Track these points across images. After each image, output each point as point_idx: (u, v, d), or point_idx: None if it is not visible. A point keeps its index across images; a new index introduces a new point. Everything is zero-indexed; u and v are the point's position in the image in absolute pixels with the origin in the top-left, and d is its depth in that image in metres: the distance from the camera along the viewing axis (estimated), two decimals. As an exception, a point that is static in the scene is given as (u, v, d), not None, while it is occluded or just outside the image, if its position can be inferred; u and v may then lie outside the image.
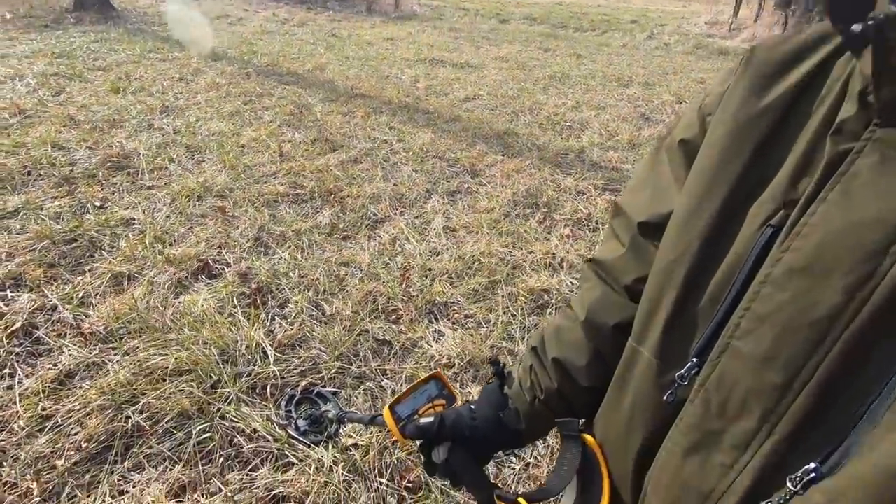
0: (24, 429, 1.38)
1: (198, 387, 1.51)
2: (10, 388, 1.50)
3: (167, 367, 1.56)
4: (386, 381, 1.64)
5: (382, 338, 1.81)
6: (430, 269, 2.23)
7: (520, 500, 0.58)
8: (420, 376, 0.76)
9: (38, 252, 2.14)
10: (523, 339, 1.88)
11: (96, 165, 2.97)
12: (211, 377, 1.55)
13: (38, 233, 2.25)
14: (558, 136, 4.17)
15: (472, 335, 1.86)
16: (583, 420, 0.62)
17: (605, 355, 0.57)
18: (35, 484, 1.24)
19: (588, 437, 0.57)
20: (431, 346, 1.80)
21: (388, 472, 1.34)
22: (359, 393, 1.58)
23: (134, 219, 2.45)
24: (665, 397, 0.45)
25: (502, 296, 2.09)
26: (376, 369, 1.67)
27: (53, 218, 2.40)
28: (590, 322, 0.59)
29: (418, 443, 0.75)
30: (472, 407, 0.73)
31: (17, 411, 1.42)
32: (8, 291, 1.93)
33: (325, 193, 2.85)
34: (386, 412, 0.79)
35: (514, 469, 1.40)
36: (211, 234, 2.35)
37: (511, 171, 3.34)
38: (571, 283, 2.22)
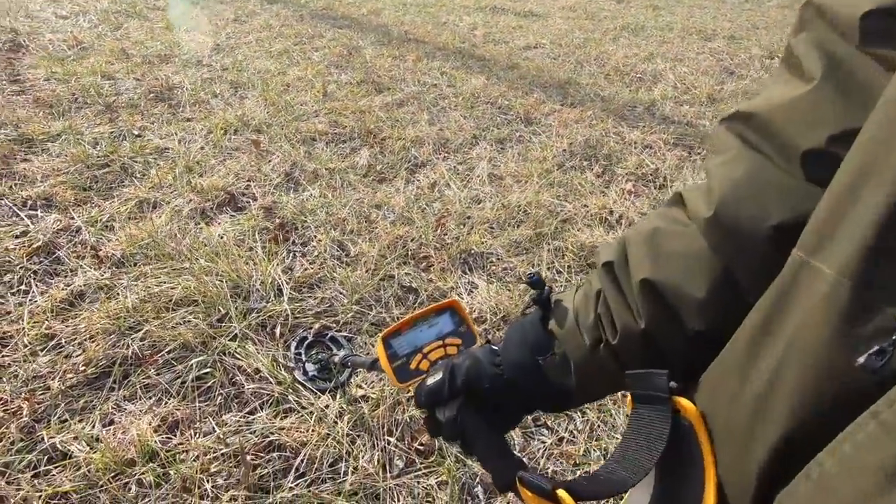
0: (27, 346, 1.31)
1: (204, 319, 1.40)
2: (21, 304, 1.45)
3: (175, 297, 1.45)
4: (407, 331, 1.47)
5: (409, 285, 1.63)
6: (469, 217, 2.01)
7: (559, 493, 0.36)
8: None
9: (72, 175, 2.09)
10: (568, 299, 1.65)
11: (140, 96, 2.92)
12: (219, 310, 1.43)
13: (75, 156, 2.21)
14: (626, 87, 3.75)
15: (509, 290, 1.64)
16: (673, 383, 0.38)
17: (743, 280, 0.32)
18: (27, 403, 1.16)
19: (685, 403, 0.33)
20: (463, 298, 1.60)
21: (399, 430, 1.18)
22: (375, 341, 1.41)
23: (168, 148, 2.37)
24: (861, 359, 0.21)
25: (548, 250, 1.84)
26: (397, 317, 1.50)
27: (91, 143, 2.36)
28: (723, 220, 0.33)
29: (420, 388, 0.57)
30: (496, 348, 0.51)
31: (24, 328, 1.36)
32: (39, 211, 1.90)
33: (365, 134, 2.66)
34: (378, 344, 0.59)
35: (544, 443, 1.20)
36: (242, 167, 2.23)
37: (570, 120, 3.01)
38: (630, 242, 1.94)
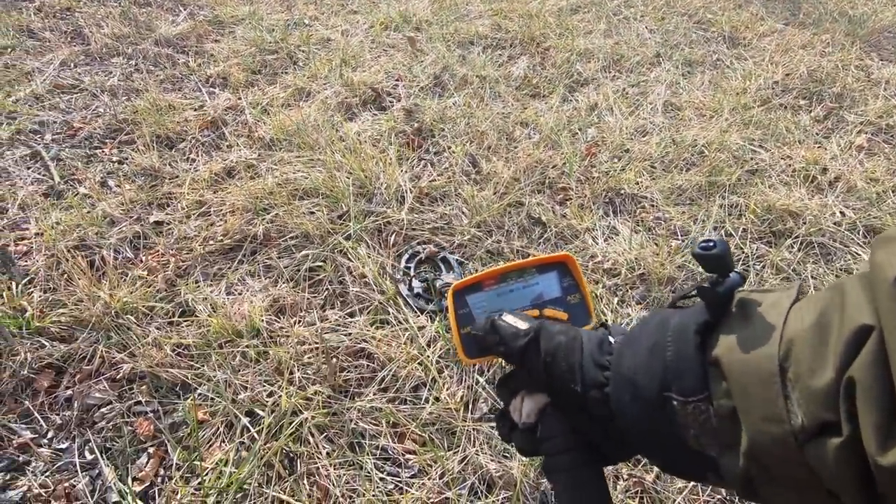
0: (184, 209, 1.46)
1: (327, 213, 1.40)
2: (186, 171, 1.60)
3: (306, 187, 1.48)
4: (524, 266, 1.31)
5: (538, 216, 1.45)
6: (626, 151, 1.70)
7: None
8: (536, 255, 0.42)
9: (246, 58, 2.22)
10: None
11: (317, -14, 2.96)
12: (342, 207, 1.42)
13: (252, 41, 2.34)
14: (894, 5, 2.77)
15: (656, 244, 1.36)
16: None
17: None
18: (174, 259, 1.30)
19: None
20: (597, 243, 1.38)
21: (490, 371, 1.07)
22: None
23: (331, 39, 2.38)
24: None
25: (720, 205, 1.48)
26: (517, 250, 1.34)
27: (268, 30, 2.47)
28: None
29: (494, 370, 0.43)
30: (613, 341, 0.34)
31: (185, 192, 1.51)
32: (216, 89, 2.07)
33: (528, 41, 2.38)
34: (449, 297, 0.46)
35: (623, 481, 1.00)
36: (394, 65, 2.16)
37: (794, 44, 2.34)
38: (841, 212, 1.47)
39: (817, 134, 1.78)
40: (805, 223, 1.43)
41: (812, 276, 1.32)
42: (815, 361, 0.23)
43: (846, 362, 0.22)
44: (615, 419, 0.31)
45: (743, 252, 1.37)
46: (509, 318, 0.39)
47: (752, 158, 1.64)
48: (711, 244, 0.27)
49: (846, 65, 2.17)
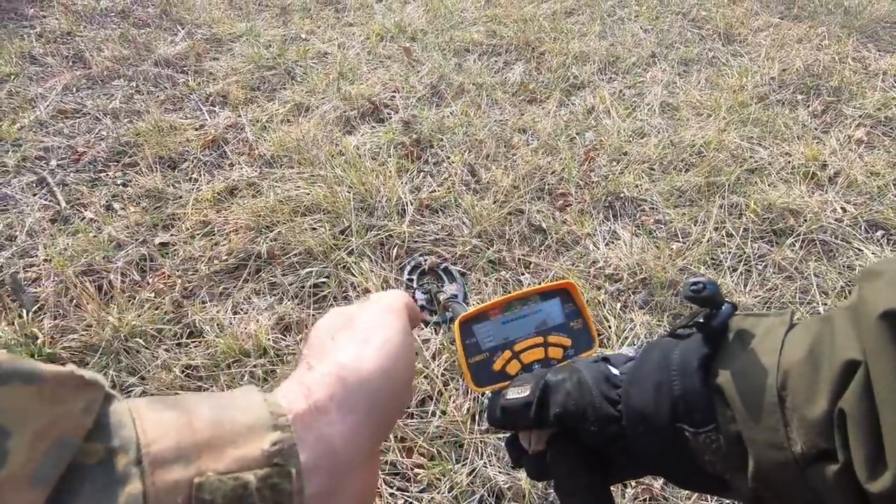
0: (188, 230, 1.48)
1: (329, 229, 1.42)
2: (189, 191, 1.62)
3: (307, 203, 1.49)
4: (526, 274, 1.32)
5: (538, 223, 1.46)
6: (625, 154, 1.70)
7: None
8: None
9: (245, 75, 2.25)
10: (735, 270, 1.32)
11: (312, 0, 2.99)
12: (343, 222, 1.44)
13: (250, 58, 2.37)
14: (889, -5, 2.76)
15: (657, 247, 1.37)
16: None
17: None
18: (180, 280, 1.32)
19: None
20: (598, 248, 1.39)
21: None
22: (490, 280, 1.30)
23: (328, 53, 2.40)
24: None
25: (720, 205, 1.48)
26: (519, 258, 1.35)
27: (265, 45, 2.50)
28: None
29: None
30: (616, 373, 0.36)
31: (188, 213, 1.53)
32: (216, 107, 2.09)
33: (523, 46, 2.39)
34: (455, 329, 0.47)
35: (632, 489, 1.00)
36: (391, 76, 2.17)
37: (789, 39, 2.33)
38: (843, 208, 1.46)
39: (816, 129, 1.78)
40: (806, 220, 1.43)
41: (815, 274, 1.32)
42: (810, 392, 0.25)
43: (837, 394, 0.23)
44: (632, 448, 0.33)
45: (744, 252, 1.37)
46: (511, 393, 0.40)
47: (750, 157, 1.65)
48: (701, 286, 0.29)
49: (843, 57, 2.16)
